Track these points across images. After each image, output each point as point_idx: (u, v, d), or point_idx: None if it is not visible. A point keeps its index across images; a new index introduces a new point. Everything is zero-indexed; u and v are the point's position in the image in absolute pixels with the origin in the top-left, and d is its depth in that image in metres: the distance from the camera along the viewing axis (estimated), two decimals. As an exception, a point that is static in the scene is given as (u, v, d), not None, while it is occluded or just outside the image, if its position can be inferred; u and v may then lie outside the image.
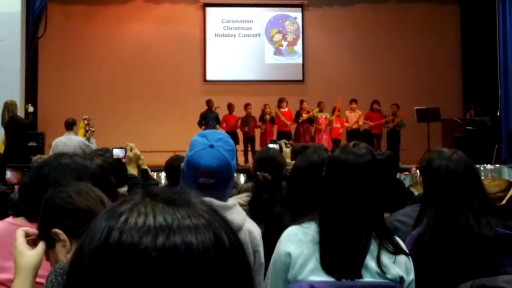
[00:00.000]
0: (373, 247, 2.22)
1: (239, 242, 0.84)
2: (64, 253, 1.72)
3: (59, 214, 1.77)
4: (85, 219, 1.64)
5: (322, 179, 2.45)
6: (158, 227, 0.78)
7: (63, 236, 1.73)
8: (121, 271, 0.76)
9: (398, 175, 6.02)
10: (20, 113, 11.23)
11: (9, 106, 10.69)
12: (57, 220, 1.76)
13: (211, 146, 2.33)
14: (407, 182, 7.80)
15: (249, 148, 14.33)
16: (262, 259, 2.48)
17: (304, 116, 14.32)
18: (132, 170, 3.75)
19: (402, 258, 2.25)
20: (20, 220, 2.26)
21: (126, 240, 0.77)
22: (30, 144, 11.29)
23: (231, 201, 2.44)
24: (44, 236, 1.76)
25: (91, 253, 0.79)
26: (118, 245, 0.77)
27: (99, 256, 0.78)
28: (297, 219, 2.44)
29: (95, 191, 1.86)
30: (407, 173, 9.29)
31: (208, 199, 2.17)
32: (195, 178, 2.33)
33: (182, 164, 2.44)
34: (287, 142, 5.46)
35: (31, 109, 11.70)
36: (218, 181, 2.32)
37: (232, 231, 0.84)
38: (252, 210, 3.57)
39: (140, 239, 0.77)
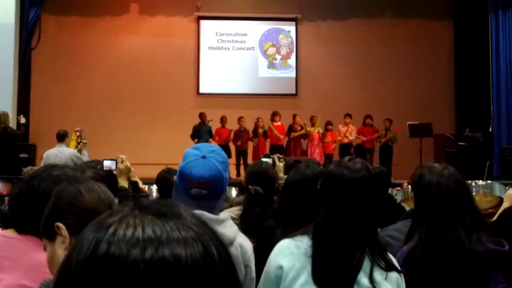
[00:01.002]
0: (366, 263, 2.21)
1: (228, 255, 0.84)
2: (63, 248, 1.72)
3: (64, 208, 1.77)
4: (89, 219, 1.63)
5: (316, 193, 2.45)
6: (146, 239, 0.77)
7: (64, 231, 1.73)
8: (109, 284, 0.75)
9: (390, 190, 6.01)
10: (12, 124, 11.20)
11: (1, 117, 10.68)
12: (62, 215, 1.75)
13: (204, 157, 2.33)
14: (398, 198, 7.78)
15: (241, 162, 14.32)
16: (253, 274, 2.47)
17: (296, 132, 14.34)
18: (123, 182, 3.74)
19: (393, 275, 2.24)
20: (9, 232, 2.24)
21: (114, 252, 0.76)
22: (22, 155, 11.26)
23: (223, 214, 2.43)
24: (47, 227, 1.76)
25: (78, 265, 0.78)
26: (106, 257, 0.76)
27: (87, 268, 0.77)
28: (288, 233, 2.42)
29: (107, 193, 1.86)
30: (399, 188, 9.27)
31: (199, 212, 2.17)
32: (187, 189, 2.32)
33: (175, 177, 2.43)
34: (280, 156, 5.45)
35: (23, 120, 11.67)
36: (210, 192, 2.31)
37: (222, 244, 0.84)
38: (244, 224, 3.55)
39: (129, 251, 0.76)
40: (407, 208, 3.92)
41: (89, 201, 1.79)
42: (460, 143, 13.48)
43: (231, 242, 2.33)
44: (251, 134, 14.51)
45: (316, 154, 14.07)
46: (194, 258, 0.77)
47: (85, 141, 12.56)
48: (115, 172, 3.72)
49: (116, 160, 3.73)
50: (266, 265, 2.37)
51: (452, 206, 2.57)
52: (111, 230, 0.79)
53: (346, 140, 14.47)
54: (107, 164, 3.65)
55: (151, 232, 0.78)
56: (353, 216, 2.25)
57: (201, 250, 0.79)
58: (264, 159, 4.76)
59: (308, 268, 2.22)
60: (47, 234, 1.78)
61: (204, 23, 17.25)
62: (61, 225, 1.73)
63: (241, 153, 14.43)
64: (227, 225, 2.38)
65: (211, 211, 2.30)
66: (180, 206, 0.87)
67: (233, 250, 2.33)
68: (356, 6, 16.88)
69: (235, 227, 2.45)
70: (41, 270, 1.79)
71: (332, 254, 2.21)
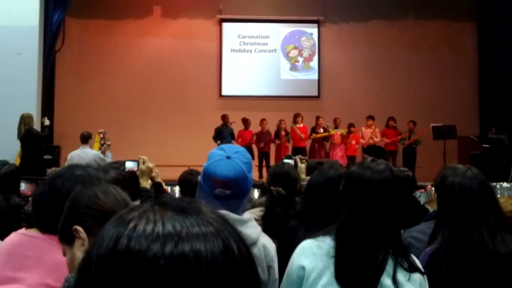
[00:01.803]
0: (389, 264, 2.20)
1: (248, 251, 0.83)
2: (82, 251, 1.72)
3: (82, 211, 1.78)
4: (106, 221, 1.64)
5: (338, 194, 2.43)
6: (166, 234, 0.78)
7: (83, 234, 1.74)
8: (129, 278, 0.75)
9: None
10: (36, 126, 11.29)
11: (26, 119, 10.77)
12: (80, 218, 1.76)
13: (228, 157, 2.33)
14: (422, 200, 7.74)
15: (264, 164, 14.31)
16: (276, 275, 2.46)
17: (318, 134, 14.31)
18: (145, 183, 3.75)
19: (417, 276, 2.23)
20: (33, 232, 2.26)
21: (134, 247, 0.77)
22: (46, 157, 11.34)
23: (246, 215, 2.43)
24: (65, 231, 1.77)
25: (99, 260, 0.79)
26: (126, 252, 0.77)
27: (107, 263, 0.77)
28: (311, 234, 2.41)
29: (122, 195, 1.87)
30: (422, 190, 9.21)
31: (223, 211, 2.16)
32: (211, 189, 2.32)
33: (199, 177, 2.44)
34: (302, 157, 5.43)
35: (47, 122, 11.75)
36: (234, 192, 2.31)
37: (242, 240, 0.84)
38: (266, 225, 3.54)
39: (148, 246, 0.76)
40: (431, 210, 3.88)
41: (105, 203, 1.79)
42: (484, 145, 13.34)
43: (254, 243, 2.33)
44: (273, 136, 14.51)
45: (339, 156, 14.02)
46: (214, 254, 0.77)
47: (108, 143, 12.65)
48: (137, 173, 3.73)
49: (138, 161, 3.74)
50: (288, 266, 2.36)
51: (475, 207, 2.54)
52: (131, 225, 0.80)
53: (371, 142, 14.40)
54: (129, 165, 3.66)
55: (171, 227, 0.79)
56: (376, 217, 2.24)
57: (221, 246, 0.79)
58: (286, 161, 4.74)
59: (331, 268, 2.21)
60: (65, 239, 1.79)
61: (226, 26, 17.27)
62: (79, 228, 1.74)
63: (264, 155, 14.43)
64: (250, 225, 2.37)
65: (235, 211, 2.30)
66: (200, 202, 0.87)
67: (256, 251, 2.32)
68: (379, 8, 16.80)
69: (259, 228, 2.45)
70: (64, 269, 1.79)
71: (356, 254, 2.20)
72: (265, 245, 2.40)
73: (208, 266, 0.76)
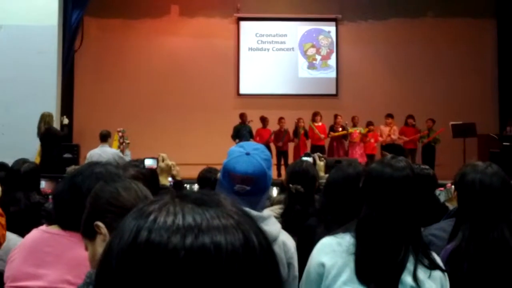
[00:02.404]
0: (410, 261, 2.19)
1: (269, 244, 0.83)
2: (103, 247, 1.73)
3: (104, 207, 1.78)
4: None
5: (357, 191, 2.42)
6: (187, 226, 0.78)
7: (104, 230, 1.74)
8: (150, 270, 0.76)
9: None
10: (56, 125, 11.37)
11: (46, 118, 10.85)
12: (101, 214, 1.77)
13: (247, 154, 2.34)
14: (442, 198, 7.69)
15: (282, 162, 14.31)
16: (296, 272, 2.46)
17: (337, 132, 14.29)
18: (164, 181, 3.76)
19: (437, 273, 2.21)
20: (53, 228, 2.28)
21: (154, 239, 0.77)
22: (65, 155, 11.40)
23: (266, 212, 2.43)
24: (87, 227, 1.78)
25: (120, 253, 0.79)
26: (147, 245, 0.77)
27: (128, 255, 0.78)
28: (330, 232, 2.41)
29: (144, 191, 1.87)
30: (442, 188, 9.16)
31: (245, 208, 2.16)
32: (231, 185, 2.33)
33: (219, 174, 2.45)
34: (320, 155, 5.42)
35: (65, 121, 11.83)
36: (253, 189, 2.31)
37: (262, 232, 0.84)
38: (285, 223, 3.54)
39: (169, 238, 0.77)
40: (451, 208, 3.86)
41: (127, 199, 1.80)
42: (504, 143, 13.23)
43: (274, 240, 2.33)
44: (291, 135, 14.51)
45: (358, 154, 13.99)
46: (234, 246, 0.77)
47: (127, 142, 12.72)
48: (156, 171, 3.74)
49: (157, 159, 3.75)
50: (307, 263, 2.36)
51: (496, 204, 2.53)
52: (151, 217, 0.80)
53: (389, 140, 14.33)
54: (148, 162, 3.67)
55: (191, 219, 0.79)
56: (396, 214, 2.22)
57: (241, 238, 0.79)
58: (304, 158, 4.74)
59: (351, 265, 2.20)
60: (88, 234, 1.80)
61: (244, 24, 17.27)
62: (100, 224, 1.75)
63: (282, 154, 14.43)
64: (270, 222, 2.37)
65: (254, 208, 2.29)
66: (220, 195, 0.87)
67: (276, 248, 2.32)
68: (397, 6, 16.73)
69: (278, 225, 2.45)
70: (84, 266, 1.81)
71: (376, 251, 2.19)
72: (285, 242, 2.41)
73: (229, 258, 0.76)
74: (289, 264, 2.40)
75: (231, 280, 0.76)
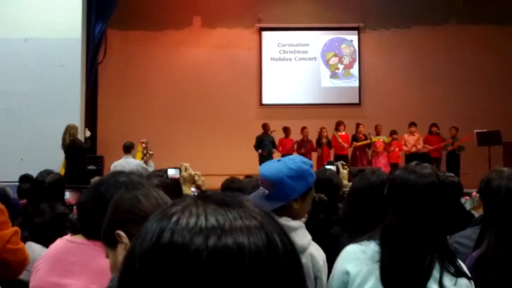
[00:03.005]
0: (436, 268, 2.16)
1: (292, 245, 0.83)
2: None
3: (124, 215, 1.78)
4: None
5: (382, 200, 2.40)
6: (209, 227, 0.78)
7: (125, 239, 1.74)
8: (173, 272, 0.75)
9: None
10: (80, 137, 11.46)
11: (71, 130, 10.94)
12: (122, 222, 1.77)
13: (279, 160, 2.38)
14: (467, 206, 7.57)
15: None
16: (324, 287, 2.43)
17: (360, 142, 14.25)
18: (187, 190, 3.76)
19: (463, 281, 2.18)
20: (78, 238, 2.28)
21: (177, 240, 0.77)
22: (90, 167, 11.47)
23: (297, 222, 2.40)
24: (108, 235, 1.78)
25: (142, 254, 0.79)
26: (170, 246, 0.77)
27: (151, 256, 0.78)
28: (354, 241, 2.39)
29: (164, 198, 1.87)
30: (467, 197, 9.05)
31: None
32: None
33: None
34: (344, 163, 5.39)
35: (87, 133, 11.91)
36: (271, 194, 2.32)
37: (285, 234, 0.83)
38: (309, 232, 3.53)
39: (191, 239, 0.76)
40: (476, 216, 3.81)
41: (147, 207, 1.79)
42: (530, 151, 13.08)
43: (302, 251, 2.32)
44: (314, 145, 14.48)
45: (382, 164, 13.91)
46: (258, 247, 0.77)
47: (151, 153, 12.78)
48: (179, 180, 3.75)
49: (180, 169, 3.75)
50: (332, 271, 2.35)
51: None
52: (174, 219, 0.80)
53: (413, 150, 14.26)
54: (171, 172, 3.67)
55: (214, 220, 0.79)
56: (421, 221, 2.20)
57: (264, 239, 0.78)
58: (328, 167, 4.71)
59: (376, 273, 2.18)
60: (109, 243, 1.80)
61: (266, 34, 17.32)
62: (121, 233, 1.75)
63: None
64: (300, 233, 2.36)
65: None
66: (243, 196, 0.87)
67: (304, 259, 2.31)
68: (420, 14, 16.67)
69: (309, 237, 2.44)
70: (109, 275, 1.80)
71: (402, 258, 2.17)
72: (313, 254, 2.39)
73: (252, 259, 0.76)
74: (316, 278, 2.38)
75: (254, 281, 0.75)
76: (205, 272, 0.74)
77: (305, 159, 2.50)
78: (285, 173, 2.33)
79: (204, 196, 0.85)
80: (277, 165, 2.34)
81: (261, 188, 2.34)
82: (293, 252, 0.82)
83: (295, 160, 2.41)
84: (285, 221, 2.32)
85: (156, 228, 0.80)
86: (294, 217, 2.41)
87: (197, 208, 0.81)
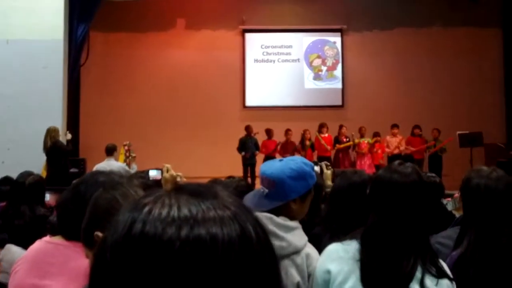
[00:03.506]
0: (418, 269, 2.15)
1: (266, 235, 0.82)
2: None
3: (102, 216, 1.76)
4: None
5: (363, 199, 2.41)
6: (182, 218, 0.77)
7: None
8: (144, 262, 0.74)
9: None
10: (62, 139, 11.37)
11: (52, 132, 10.84)
12: (100, 222, 1.75)
13: (281, 160, 2.39)
14: (449, 208, 7.62)
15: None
16: None
17: (341, 144, 14.28)
18: (169, 191, 3.73)
19: (445, 281, 2.18)
20: (57, 239, 2.26)
21: (149, 231, 0.76)
22: (72, 170, 11.40)
23: (294, 223, 2.40)
24: (87, 236, 1.76)
25: (114, 245, 0.78)
26: (141, 236, 0.76)
27: (122, 247, 0.77)
28: (336, 240, 2.38)
29: None
30: (449, 199, 9.10)
31: (268, 215, 2.26)
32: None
33: None
34: (328, 164, 5.39)
35: (69, 136, 11.80)
36: (271, 193, 2.32)
37: (259, 223, 0.82)
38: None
39: (164, 230, 0.75)
40: (457, 216, 3.83)
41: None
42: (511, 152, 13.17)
43: (298, 251, 2.32)
44: (298, 146, 14.48)
45: (366, 165, 13.96)
46: (231, 237, 0.76)
47: (134, 155, 12.72)
48: (161, 182, 3.73)
49: (161, 170, 3.74)
50: (314, 270, 2.33)
51: (501, 209, 2.51)
52: (146, 209, 0.79)
53: (396, 151, 14.31)
54: (153, 173, 3.66)
55: (186, 211, 0.78)
56: (404, 221, 2.20)
57: (237, 229, 0.77)
58: (311, 167, 4.70)
59: (357, 272, 2.18)
60: (88, 243, 1.78)
61: (249, 36, 17.32)
62: (100, 234, 1.73)
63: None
64: (296, 233, 2.37)
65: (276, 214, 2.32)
66: (217, 187, 0.86)
67: (299, 260, 2.32)
68: (403, 16, 16.74)
69: (305, 237, 2.44)
70: (88, 276, 1.78)
71: (383, 258, 2.16)
72: (309, 254, 2.39)
73: (225, 250, 0.75)
74: (310, 275, 2.37)
75: (227, 271, 0.74)
76: (178, 262, 0.73)
77: (306, 160, 2.51)
78: (286, 173, 2.34)
79: (177, 187, 0.84)
80: (279, 164, 2.36)
81: (260, 187, 2.35)
82: (266, 243, 0.81)
83: (297, 160, 2.42)
84: (283, 220, 2.33)
85: (128, 219, 0.78)
86: (292, 217, 2.40)
87: (170, 199, 0.80)
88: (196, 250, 0.74)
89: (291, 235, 2.30)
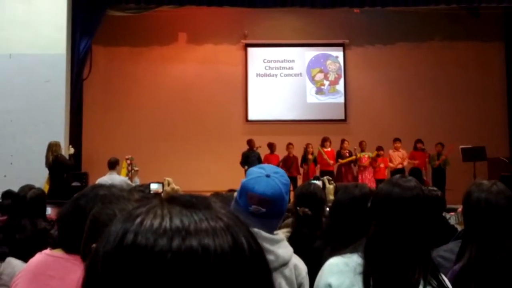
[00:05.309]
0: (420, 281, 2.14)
1: (259, 247, 0.81)
2: None
3: (101, 230, 1.75)
4: None
5: (364, 213, 2.40)
6: (174, 229, 0.76)
7: None
8: (136, 273, 0.74)
9: (444, 215, 5.89)
10: (64, 153, 11.38)
11: (53, 147, 10.85)
12: (99, 236, 1.74)
13: (268, 176, 2.33)
14: (452, 221, 7.61)
15: (291, 188, 14.19)
16: None
17: (344, 159, 14.27)
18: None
19: (445, 295, 2.17)
20: (57, 252, 2.25)
21: (140, 242, 0.75)
22: (74, 184, 11.40)
23: (279, 235, 2.39)
24: (86, 250, 1.76)
25: (105, 256, 0.77)
26: (133, 247, 0.75)
27: (114, 258, 0.76)
28: (337, 253, 2.38)
29: None
30: (453, 213, 9.07)
31: (255, 230, 2.15)
32: (247, 205, 2.31)
33: (235, 193, 2.44)
34: (330, 178, 5.38)
35: (71, 150, 11.82)
36: (269, 211, 2.30)
37: (252, 235, 0.82)
38: (292, 246, 3.50)
39: (155, 241, 0.75)
40: (459, 230, 3.82)
41: None
42: (515, 166, 13.15)
43: (285, 263, 2.31)
44: (299, 161, 14.47)
45: (367, 179, 13.93)
46: (223, 249, 0.76)
47: (136, 169, 12.72)
48: (162, 195, 3.73)
49: (162, 183, 3.74)
50: (315, 284, 2.34)
51: (502, 223, 2.51)
52: (138, 220, 0.78)
53: (400, 166, 14.28)
54: (154, 187, 3.66)
55: (179, 222, 0.77)
56: (405, 235, 2.19)
57: (230, 241, 0.77)
58: (313, 181, 4.70)
59: (358, 285, 2.16)
60: (87, 257, 1.77)
61: (251, 51, 17.34)
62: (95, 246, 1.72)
63: (291, 180, 14.30)
64: (282, 245, 2.35)
65: (267, 231, 2.28)
66: (210, 198, 0.86)
67: (287, 272, 2.31)
68: (405, 31, 16.75)
69: (291, 249, 2.42)
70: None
71: (385, 271, 2.15)
72: (297, 265, 2.38)
73: (217, 261, 0.74)
74: (300, 285, 2.36)
75: (219, 283, 0.74)
76: (169, 274, 0.73)
77: (279, 169, 2.50)
78: (283, 189, 2.33)
79: (170, 198, 0.84)
80: (272, 182, 2.31)
81: (254, 206, 2.30)
82: (259, 254, 0.81)
83: (281, 173, 2.40)
84: (269, 234, 2.30)
85: (120, 230, 0.78)
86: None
87: (162, 210, 0.79)
88: (187, 262, 0.73)
89: (277, 247, 2.29)
